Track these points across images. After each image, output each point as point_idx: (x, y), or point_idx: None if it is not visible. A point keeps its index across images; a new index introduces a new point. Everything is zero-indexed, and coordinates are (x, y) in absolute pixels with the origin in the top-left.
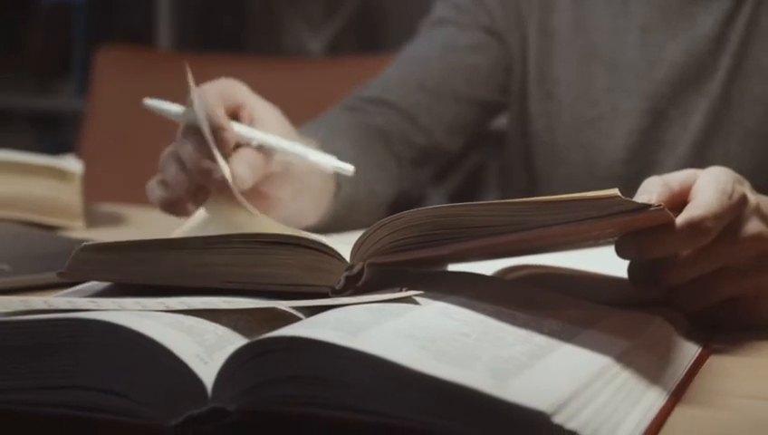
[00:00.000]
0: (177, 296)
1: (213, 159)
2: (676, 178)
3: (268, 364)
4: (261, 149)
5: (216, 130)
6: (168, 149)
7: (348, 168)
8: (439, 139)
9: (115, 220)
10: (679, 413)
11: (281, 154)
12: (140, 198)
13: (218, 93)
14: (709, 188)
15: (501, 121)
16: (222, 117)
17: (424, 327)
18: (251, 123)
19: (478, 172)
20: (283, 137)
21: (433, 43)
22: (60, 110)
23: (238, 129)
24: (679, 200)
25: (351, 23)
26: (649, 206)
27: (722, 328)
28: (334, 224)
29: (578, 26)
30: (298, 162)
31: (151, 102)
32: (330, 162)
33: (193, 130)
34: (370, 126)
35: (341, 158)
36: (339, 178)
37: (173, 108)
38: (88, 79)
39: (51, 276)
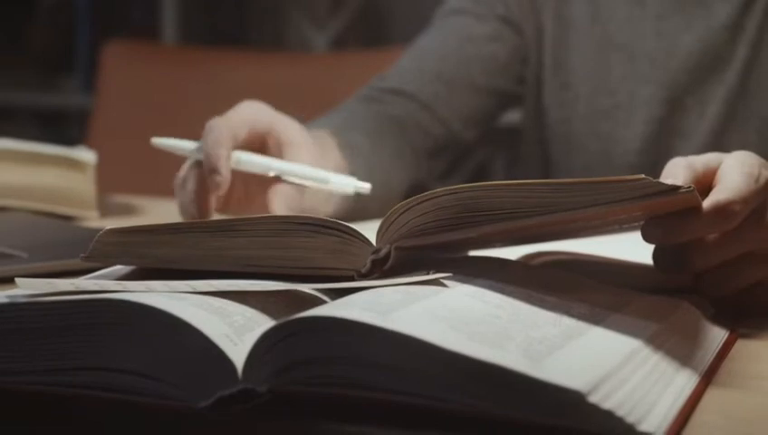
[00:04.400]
0: (203, 280)
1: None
2: (701, 161)
3: (298, 345)
4: (282, 178)
5: (209, 172)
6: (178, 177)
7: (365, 186)
8: (456, 129)
9: (129, 211)
10: (711, 396)
11: (300, 181)
12: (149, 191)
13: (240, 122)
14: (735, 171)
15: (508, 117)
16: (220, 158)
17: (455, 308)
18: (279, 148)
19: (484, 169)
20: (310, 158)
21: (449, 33)
22: (64, 106)
23: (256, 160)
24: (704, 183)
25: (356, 19)
26: (679, 188)
27: (747, 313)
28: (346, 215)
29: (594, 16)
30: (317, 188)
31: (160, 141)
32: (349, 184)
33: (197, 166)
34: (387, 116)
35: (356, 148)
36: (351, 170)
37: (185, 144)
38: (92, 75)
39: (70, 263)
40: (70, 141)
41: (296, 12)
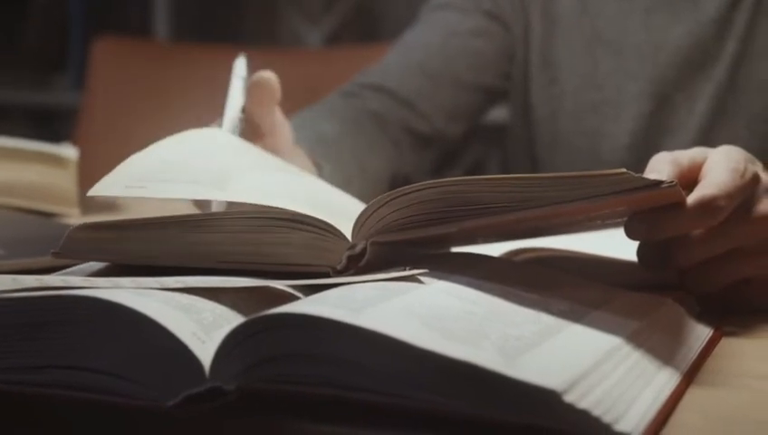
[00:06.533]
0: (175, 276)
1: None
2: (686, 155)
3: (267, 342)
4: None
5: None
6: None
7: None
8: (440, 125)
9: (111, 207)
10: (693, 394)
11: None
12: None
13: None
14: (721, 166)
15: (499, 115)
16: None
17: (429, 305)
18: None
19: (477, 167)
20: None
21: (435, 28)
22: (57, 104)
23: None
24: (689, 178)
25: (350, 16)
26: (661, 182)
27: (733, 310)
28: None
29: (582, 10)
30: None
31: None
32: (239, 70)
33: None
34: (365, 110)
35: (322, 136)
36: (316, 159)
37: None
38: (84, 73)
39: (46, 260)
40: (62, 140)
41: (290, 8)
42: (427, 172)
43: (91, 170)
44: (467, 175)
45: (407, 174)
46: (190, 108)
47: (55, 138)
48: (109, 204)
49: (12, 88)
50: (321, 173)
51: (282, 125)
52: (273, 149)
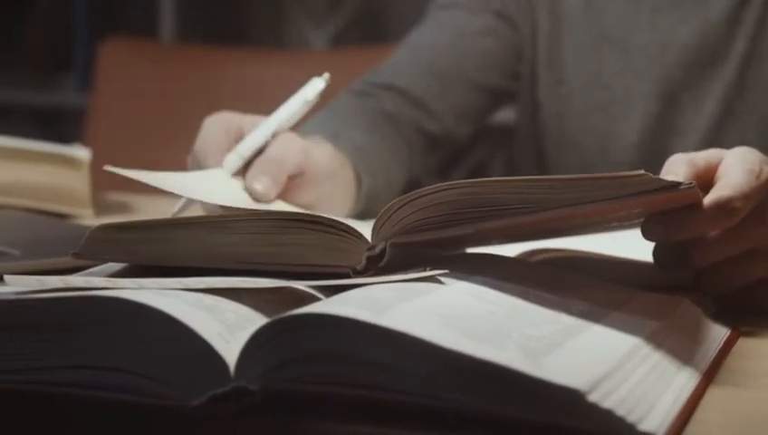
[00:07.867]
0: (195, 277)
1: None
2: (702, 157)
3: (291, 343)
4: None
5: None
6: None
7: (323, 78)
8: (450, 126)
9: (124, 208)
10: (713, 393)
11: (277, 133)
12: (147, 188)
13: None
14: (736, 167)
15: (505, 115)
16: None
17: (451, 306)
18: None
19: (481, 168)
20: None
21: (443, 27)
22: (62, 105)
23: (250, 142)
24: (705, 179)
25: (355, 18)
26: (680, 184)
27: (748, 311)
28: (352, 216)
29: (588, 9)
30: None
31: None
32: (309, 92)
33: None
34: (380, 111)
35: (359, 148)
36: (358, 168)
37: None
38: (90, 74)
39: (64, 260)
40: (68, 140)
41: (294, 10)
42: (433, 174)
43: (99, 170)
44: (472, 177)
45: (417, 176)
46: (196, 109)
47: (60, 138)
48: (122, 205)
49: (17, 88)
50: (359, 186)
51: (311, 155)
52: (308, 179)
